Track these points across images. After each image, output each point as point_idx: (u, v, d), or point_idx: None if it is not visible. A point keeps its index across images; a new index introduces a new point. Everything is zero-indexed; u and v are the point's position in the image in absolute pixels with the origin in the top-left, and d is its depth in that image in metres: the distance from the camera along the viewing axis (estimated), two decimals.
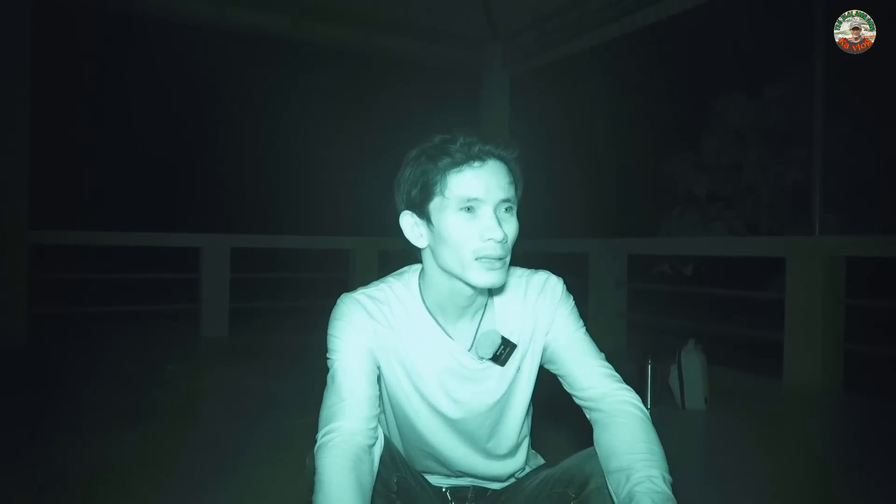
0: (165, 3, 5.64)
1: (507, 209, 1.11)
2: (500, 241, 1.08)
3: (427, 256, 1.17)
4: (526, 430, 1.32)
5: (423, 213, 1.13)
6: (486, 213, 1.09)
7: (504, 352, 1.19)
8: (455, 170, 1.09)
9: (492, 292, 1.23)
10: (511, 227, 1.12)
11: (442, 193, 1.10)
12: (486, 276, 1.10)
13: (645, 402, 1.26)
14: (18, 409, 3.12)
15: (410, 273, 1.24)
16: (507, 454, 1.28)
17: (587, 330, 1.24)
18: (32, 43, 4.90)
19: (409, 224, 1.15)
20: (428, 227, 1.13)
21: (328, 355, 1.17)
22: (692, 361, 3.24)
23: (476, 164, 1.09)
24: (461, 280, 1.13)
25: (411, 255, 1.22)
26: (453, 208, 1.09)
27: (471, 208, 1.09)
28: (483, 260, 1.09)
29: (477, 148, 1.09)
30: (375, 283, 1.23)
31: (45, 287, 5.39)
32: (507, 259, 1.12)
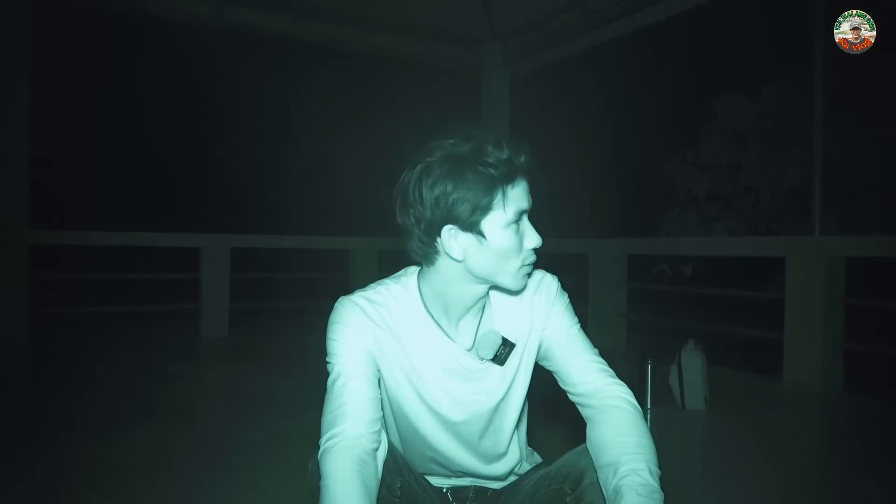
0: (165, 2, 5.65)
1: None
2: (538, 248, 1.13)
3: (448, 263, 1.13)
4: (521, 427, 1.33)
5: (472, 227, 1.09)
6: (526, 222, 1.12)
7: (504, 352, 1.20)
8: (511, 184, 1.09)
9: (488, 293, 1.23)
10: None
11: (502, 208, 1.08)
12: (524, 281, 1.15)
13: (645, 402, 1.27)
14: (18, 409, 3.12)
15: (408, 275, 1.23)
16: (504, 452, 1.29)
17: (582, 327, 1.25)
18: (32, 43, 4.90)
19: (451, 237, 1.10)
20: (478, 239, 1.09)
21: (328, 359, 1.16)
22: (692, 361, 3.24)
23: (522, 175, 1.10)
24: (493, 285, 1.16)
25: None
26: (510, 221, 1.09)
27: (520, 219, 1.11)
28: (526, 267, 1.13)
29: (523, 158, 1.10)
30: (373, 285, 1.23)
31: (45, 287, 5.39)
32: None
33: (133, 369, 4.16)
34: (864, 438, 2.93)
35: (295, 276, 7.05)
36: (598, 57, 6.59)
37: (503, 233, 1.09)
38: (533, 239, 1.12)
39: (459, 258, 1.11)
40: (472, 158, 1.06)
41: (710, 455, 2.74)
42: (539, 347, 1.24)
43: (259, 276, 6.56)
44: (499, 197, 1.07)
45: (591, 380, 1.19)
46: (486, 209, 1.07)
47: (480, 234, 1.09)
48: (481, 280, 1.14)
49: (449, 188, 1.06)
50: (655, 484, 1.05)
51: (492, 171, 1.06)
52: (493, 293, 1.23)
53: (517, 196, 1.09)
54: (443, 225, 1.09)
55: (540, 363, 1.26)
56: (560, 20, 5.99)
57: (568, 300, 1.26)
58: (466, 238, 1.10)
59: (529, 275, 1.20)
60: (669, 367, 3.30)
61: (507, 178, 1.07)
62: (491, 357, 1.20)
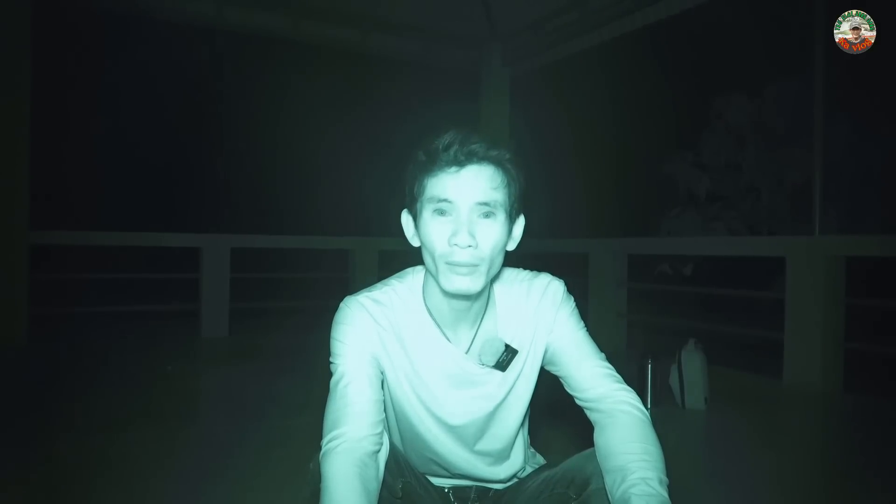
0: (165, 3, 5.65)
1: (485, 214, 1.08)
2: (465, 247, 1.06)
3: (423, 257, 1.17)
4: (524, 431, 1.32)
5: (412, 213, 1.15)
6: (456, 217, 1.07)
7: (506, 358, 1.19)
8: (432, 173, 1.09)
9: (493, 297, 1.22)
10: (489, 232, 1.08)
11: (421, 195, 1.10)
12: (452, 282, 1.08)
13: (645, 402, 1.26)
14: (19, 409, 3.12)
15: (413, 275, 1.23)
16: (505, 456, 1.28)
17: (587, 331, 1.24)
18: (32, 43, 4.90)
19: (406, 222, 1.18)
20: (415, 227, 1.15)
21: (332, 360, 1.16)
22: (692, 361, 3.24)
23: (453, 168, 1.07)
24: (438, 285, 1.13)
25: (411, 255, 1.22)
26: (428, 210, 1.09)
27: (443, 210, 1.08)
28: (451, 265, 1.08)
29: (454, 150, 1.07)
30: (379, 285, 1.22)
31: (45, 287, 5.39)
32: (483, 267, 1.09)
33: (133, 369, 4.16)
34: (863, 438, 2.93)
35: (294, 276, 7.06)
36: (598, 57, 6.59)
37: (423, 220, 1.11)
38: (455, 234, 1.06)
39: (415, 244, 1.16)
40: (422, 150, 1.11)
41: (711, 455, 2.74)
42: (545, 352, 1.23)
43: (259, 276, 6.56)
44: (418, 182, 1.11)
45: (597, 385, 1.18)
46: (414, 194, 1.12)
47: (415, 219, 1.14)
48: (433, 277, 1.14)
49: (406, 174, 1.15)
50: (665, 494, 1.04)
51: (424, 158, 1.10)
52: (499, 298, 1.22)
53: (436, 184, 1.08)
54: (404, 209, 1.17)
55: (546, 368, 1.25)
56: (560, 20, 5.98)
57: (574, 304, 1.24)
58: (412, 224, 1.16)
59: (499, 280, 1.20)
60: (669, 367, 3.30)
61: (431, 167, 1.09)
62: (493, 364, 1.19)
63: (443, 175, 1.08)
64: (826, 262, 3.81)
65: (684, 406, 3.23)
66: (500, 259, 1.12)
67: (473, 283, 1.09)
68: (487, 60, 6.76)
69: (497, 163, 1.09)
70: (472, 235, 1.06)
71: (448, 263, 1.08)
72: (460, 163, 1.07)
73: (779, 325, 4.03)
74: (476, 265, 1.08)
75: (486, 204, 1.07)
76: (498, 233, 1.09)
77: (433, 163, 1.09)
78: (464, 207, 1.07)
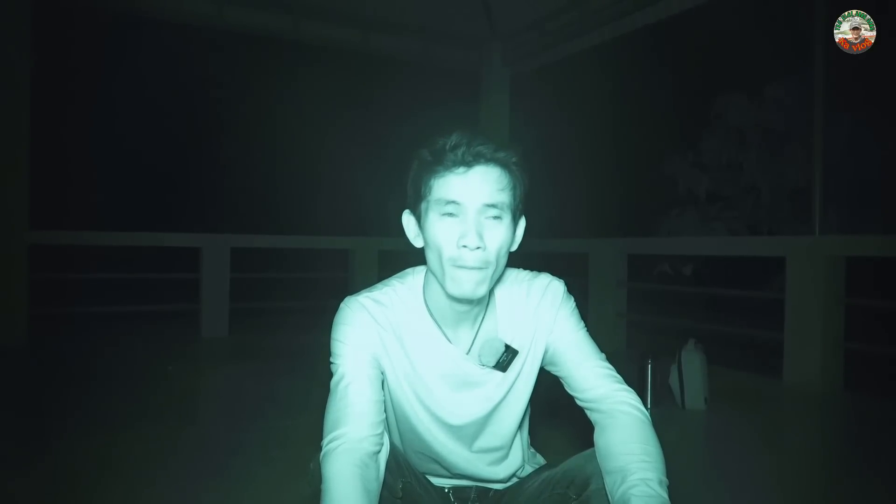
0: (165, 3, 5.65)
1: (494, 216, 1.08)
2: (474, 249, 1.06)
3: (426, 256, 1.16)
4: (523, 431, 1.32)
5: (416, 213, 1.14)
6: (464, 219, 1.07)
7: (506, 358, 1.19)
8: (439, 173, 1.08)
9: (493, 297, 1.22)
10: (496, 234, 1.08)
11: (427, 196, 1.09)
12: (459, 286, 1.08)
13: (645, 402, 1.26)
14: (18, 409, 3.12)
15: (414, 275, 1.23)
16: (505, 456, 1.28)
17: (587, 331, 1.24)
18: (32, 43, 4.90)
19: (408, 223, 1.17)
20: (418, 228, 1.14)
21: (332, 360, 1.16)
22: (692, 361, 3.24)
23: (460, 169, 1.07)
24: (442, 288, 1.12)
25: (411, 255, 1.22)
26: (435, 211, 1.09)
27: (451, 213, 1.07)
28: (459, 268, 1.07)
29: (462, 151, 1.07)
30: (379, 285, 1.22)
31: (45, 287, 5.38)
32: (489, 270, 1.09)
33: (133, 369, 4.16)
34: (863, 438, 2.93)
35: (294, 276, 7.05)
36: (599, 57, 6.59)
37: (429, 221, 1.10)
38: (463, 236, 1.06)
39: (418, 245, 1.15)
40: (427, 150, 1.10)
41: (711, 455, 2.74)
42: (545, 353, 1.22)
43: (259, 276, 6.56)
44: (424, 183, 1.10)
45: (598, 385, 1.17)
46: (419, 195, 1.11)
47: (418, 220, 1.13)
48: (437, 279, 1.13)
49: (409, 174, 1.14)
50: (665, 495, 1.04)
51: (430, 158, 1.09)
52: (500, 298, 1.22)
53: (443, 185, 1.07)
54: (406, 209, 1.16)
55: (546, 368, 1.25)
56: (560, 20, 5.98)
57: (574, 305, 1.24)
58: (414, 225, 1.15)
59: (500, 281, 1.19)
60: (669, 367, 3.29)
61: (438, 167, 1.08)
62: (493, 364, 1.19)
63: (450, 176, 1.07)
64: (826, 262, 3.81)
65: (684, 406, 3.23)
66: (504, 261, 1.12)
67: (479, 287, 1.09)
68: (487, 60, 6.77)
69: (503, 164, 1.09)
70: (481, 237, 1.06)
71: (456, 267, 1.07)
72: (468, 164, 1.07)
73: (779, 325, 4.03)
74: (483, 268, 1.08)
75: (493, 206, 1.07)
76: (504, 234, 1.09)
77: (440, 163, 1.08)
78: (471, 209, 1.07)
